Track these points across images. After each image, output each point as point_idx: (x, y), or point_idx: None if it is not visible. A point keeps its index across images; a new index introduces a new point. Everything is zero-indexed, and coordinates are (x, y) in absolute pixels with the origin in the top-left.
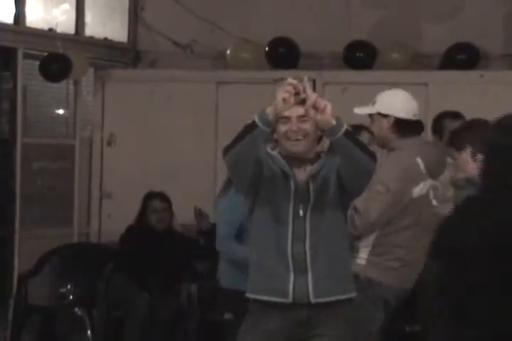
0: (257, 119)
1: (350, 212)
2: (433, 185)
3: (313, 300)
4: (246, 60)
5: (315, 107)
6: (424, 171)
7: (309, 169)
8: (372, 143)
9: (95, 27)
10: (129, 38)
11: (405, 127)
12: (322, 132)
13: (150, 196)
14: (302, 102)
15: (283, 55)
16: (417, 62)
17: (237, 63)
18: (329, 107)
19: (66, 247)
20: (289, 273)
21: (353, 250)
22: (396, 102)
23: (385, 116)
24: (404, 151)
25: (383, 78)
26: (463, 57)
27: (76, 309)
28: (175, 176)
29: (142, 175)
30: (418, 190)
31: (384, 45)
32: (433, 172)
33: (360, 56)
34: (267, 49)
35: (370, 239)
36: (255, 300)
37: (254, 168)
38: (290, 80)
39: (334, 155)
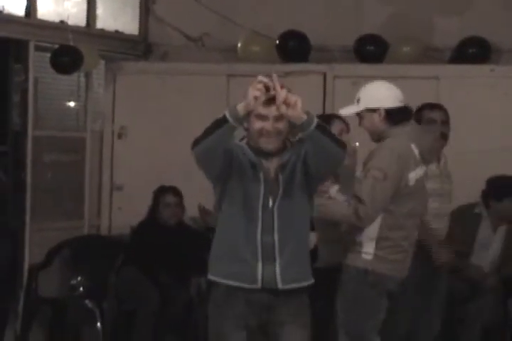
0: (228, 115)
1: (352, 202)
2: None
3: (280, 286)
4: (257, 53)
5: (286, 103)
6: (418, 157)
7: (277, 159)
8: (344, 132)
9: (106, 19)
10: (140, 30)
11: (396, 115)
12: (294, 128)
13: (162, 190)
14: (273, 99)
15: (294, 48)
16: (428, 55)
17: (248, 56)
18: (299, 102)
19: (76, 239)
20: (258, 261)
21: (355, 244)
22: (380, 94)
23: (374, 110)
24: (398, 138)
25: (394, 72)
26: (474, 51)
27: (86, 301)
28: (185, 169)
29: (153, 168)
30: (413, 176)
31: (395, 39)
32: (426, 159)
33: (370, 49)
34: (277, 42)
35: (373, 232)
36: (222, 285)
37: (222, 161)
38: (260, 78)
39: (300, 144)
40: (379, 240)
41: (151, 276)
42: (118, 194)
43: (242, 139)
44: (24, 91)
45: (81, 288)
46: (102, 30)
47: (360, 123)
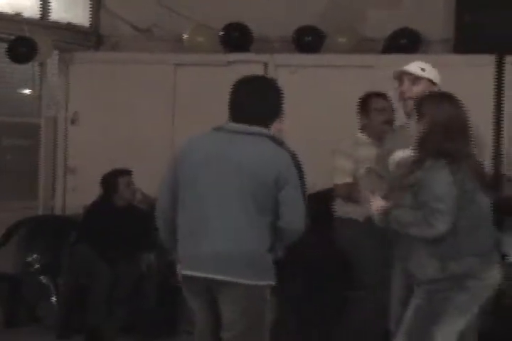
0: None
1: None
2: None
3: None
4: (202, 43)
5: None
6: None
7: None
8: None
9: (59, 12)
10: (91, 22)
11: None
12: None
13: (121, 173)
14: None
15: (236, 39)
16: (363, 46)
17: (194, 46)
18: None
19: (32, 219)
20: None
21: None
22: (438, 78)
23: (434, 84)
24: None
25: (331, 61)
26: (405, 41)
27: (41, 277)
28: (135, 152)
29: (104, 152)
30: None
31: (331, 30)
32: None
33: (308, 40)
34: (221, 33)
35: None
36: None
37: None
38: None
39: None
40: None
41: (103, 253)
42: (71, 176)
43: None
44: None
45: (36, 265)
46: (55, 22)
47: (411, 87)
